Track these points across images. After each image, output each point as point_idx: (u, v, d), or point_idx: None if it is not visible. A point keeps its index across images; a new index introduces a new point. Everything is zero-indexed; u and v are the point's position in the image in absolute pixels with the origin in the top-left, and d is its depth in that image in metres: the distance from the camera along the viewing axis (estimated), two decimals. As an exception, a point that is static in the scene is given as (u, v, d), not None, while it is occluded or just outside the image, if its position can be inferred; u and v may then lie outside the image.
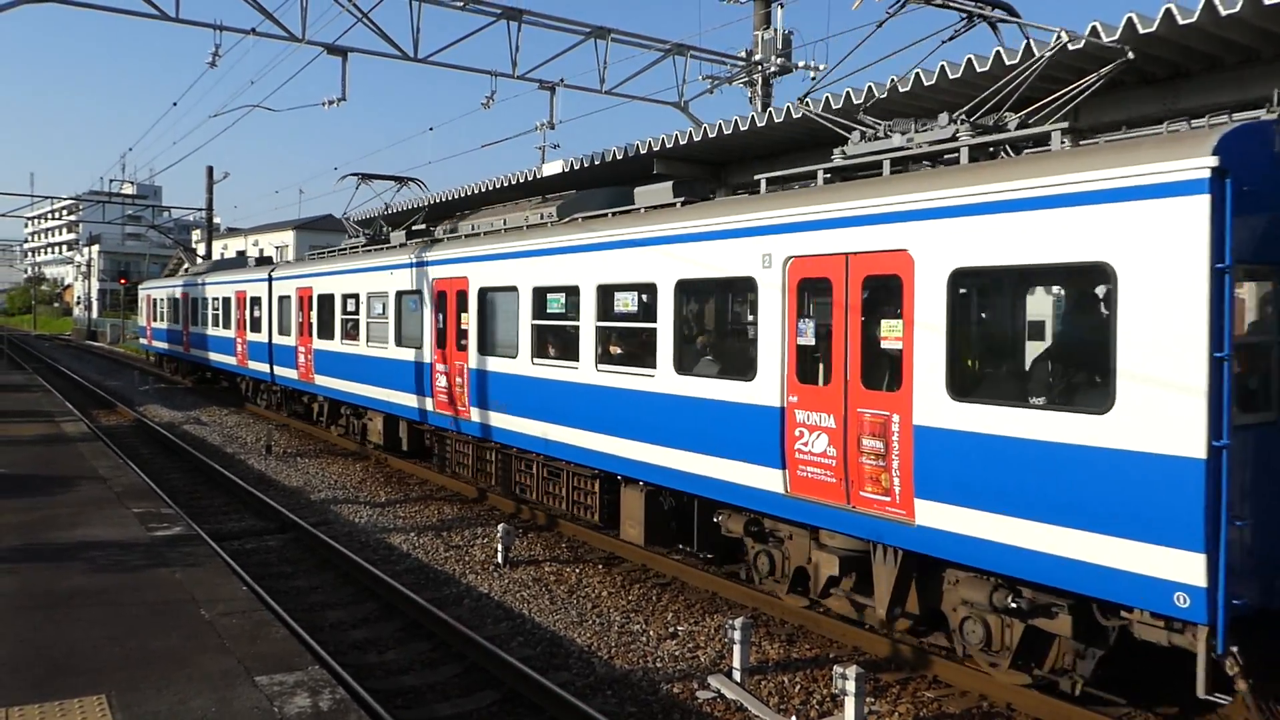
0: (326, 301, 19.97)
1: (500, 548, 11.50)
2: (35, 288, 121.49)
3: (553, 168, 20.02)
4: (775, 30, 19.96)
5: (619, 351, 11.30)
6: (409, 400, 16.19)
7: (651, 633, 9.20)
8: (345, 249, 20.34)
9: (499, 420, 13.39)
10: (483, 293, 13.86)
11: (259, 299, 24.68)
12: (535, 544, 12.47)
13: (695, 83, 20.44)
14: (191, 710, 5.51)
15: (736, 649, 7.86)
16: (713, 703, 7.58)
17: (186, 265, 46.62)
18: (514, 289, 12.94)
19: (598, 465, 11.51)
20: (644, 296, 10.84)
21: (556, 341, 12.52)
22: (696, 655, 8.63)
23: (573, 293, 11.82)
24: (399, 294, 16.57)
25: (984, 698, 7.68)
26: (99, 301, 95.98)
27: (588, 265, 11.47)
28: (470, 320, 14.13)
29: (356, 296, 18.39)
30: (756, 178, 10.01)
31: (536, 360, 12.53)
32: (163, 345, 38.39)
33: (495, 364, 13.45)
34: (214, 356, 29.80)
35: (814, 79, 20.22)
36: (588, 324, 11.44)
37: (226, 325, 27.96)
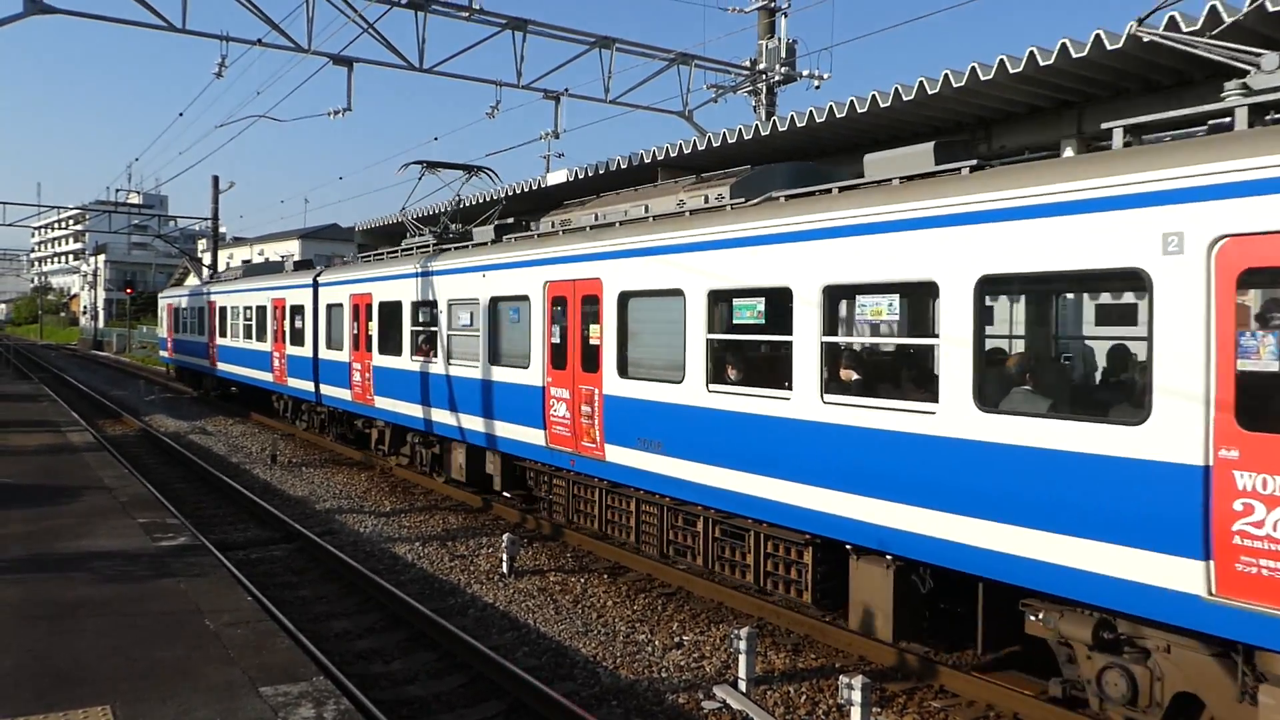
0: (391, 310, 17.23)
1: (505, 557, 11.49)
2: (41, 297, 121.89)
3: (557, 177, 20.06)
4: (779, 39, 20.00)
5: (860, 377, 8.73)
6: (509, 431, 13.39)
7: (657, 642, 9.18)
8: (413, 249, 17.51)
9: (650, 462, 10.58)
10: (624, 298, 11.08)
11: (301, 307, 21.92)
12: (540, 554, 12.45)
13: (699, 92, 20.51)
14: (196, 721, 5.49)
15: (742, 659, 7.84)
16: (718, 713, 7.55)
17: (211, 271, 46.41)
18: (676, 293, 10.19)
19: (814, 529, 8.71)
20: (911, 301, 8.54)
21: (746, 362, 9.98)
22: (702, 665, 8.60)
23: (778, 297, 9.15)
24: (495, 301, 13.75)
25: (991, 707, 7.64)
26: (105, 311, 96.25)
27: (804, 259, 8.66)
28: (605, 333, 11.32)
29: (432, 305, 15.57)
30: (1105, 126, 7.20)
31: (714, 387, 9.70)
32: (185, 358, 35.14)
33: (644, 390, 10.65)
34: (245, 372, 26.96)
35: (817, 87, 20.28)
36: (806, 339, 8.60)
37: (261, 337, 25.08)
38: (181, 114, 29.86)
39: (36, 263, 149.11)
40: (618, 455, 11.17)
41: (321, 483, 17.59)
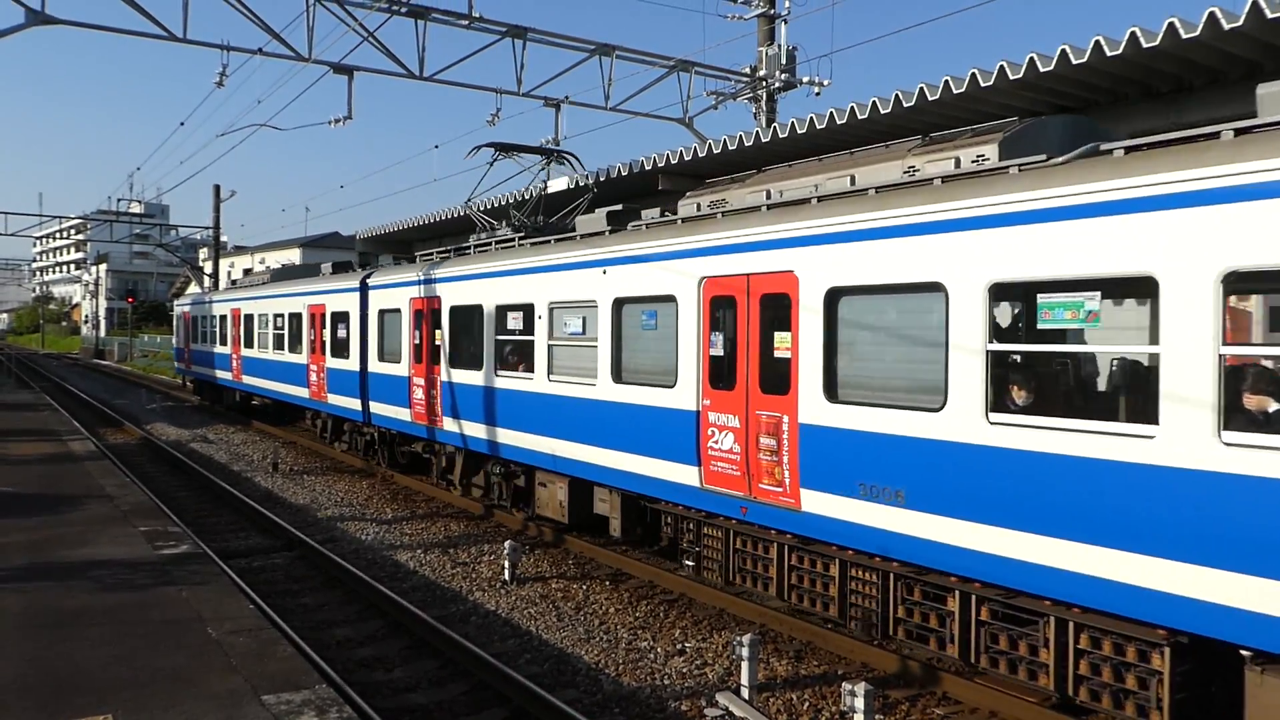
0: (466, 317, 14.79)
1: (507, 564, 11.48)
2: (43, 307, 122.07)
3: (558, 184, 20.08)
4: (779, 46, 20.04)
5: None
6: (639, 465, 10.77)
7: (659, 649, 9.16)
8: (491, 244, 15.20)
9: (877, 515, 7.99)
10: (834, 297, 8.49)
11: (344, 314, 19.45)
12: (542, 561, 12.44)
13: (700, 98, 20.53)
14: (198, 730, 5.49)
15: (744, 666, 7.82)
16: (721, 720, 7.53)
17: (213, 280, 46.19)
18: (929, 288, 7.58)
19: (1179, 623, 6.09)
20: None
21: (1052, 382, 7.71)
22: (704, 672, 8.58)
23: (1130, 290, 7.41)
24: (620, 304, 11.23)
25: (994, 714, 7.62)
26: (107, 320, 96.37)
27: (1185, 234, 5.99)
28: (802, 343, 8.74)
29: (525, 309, 13.08)
30: None
31: (997, 416, 7.07)
32: (204, 370, 32.20)
33: (869, 420, 8.07)
34: (275, 386, 24.29)
35: (817, 94, 20.32)
36: (1189, 350, 5.97)
37: (295, 348, 22.56)
38: (183, 123, 29.69)
39: (38, 272, 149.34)
40: (820, 504, 8.50)
41: (323, 490, 17.58)
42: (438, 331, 15.59)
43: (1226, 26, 9.13)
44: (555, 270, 12.50)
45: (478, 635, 9.51)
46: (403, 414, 16.89)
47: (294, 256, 64.23)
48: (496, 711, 7.68)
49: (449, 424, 15.18)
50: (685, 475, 10.17)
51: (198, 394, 35.00)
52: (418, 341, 16.30)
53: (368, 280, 18.53)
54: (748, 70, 20.44)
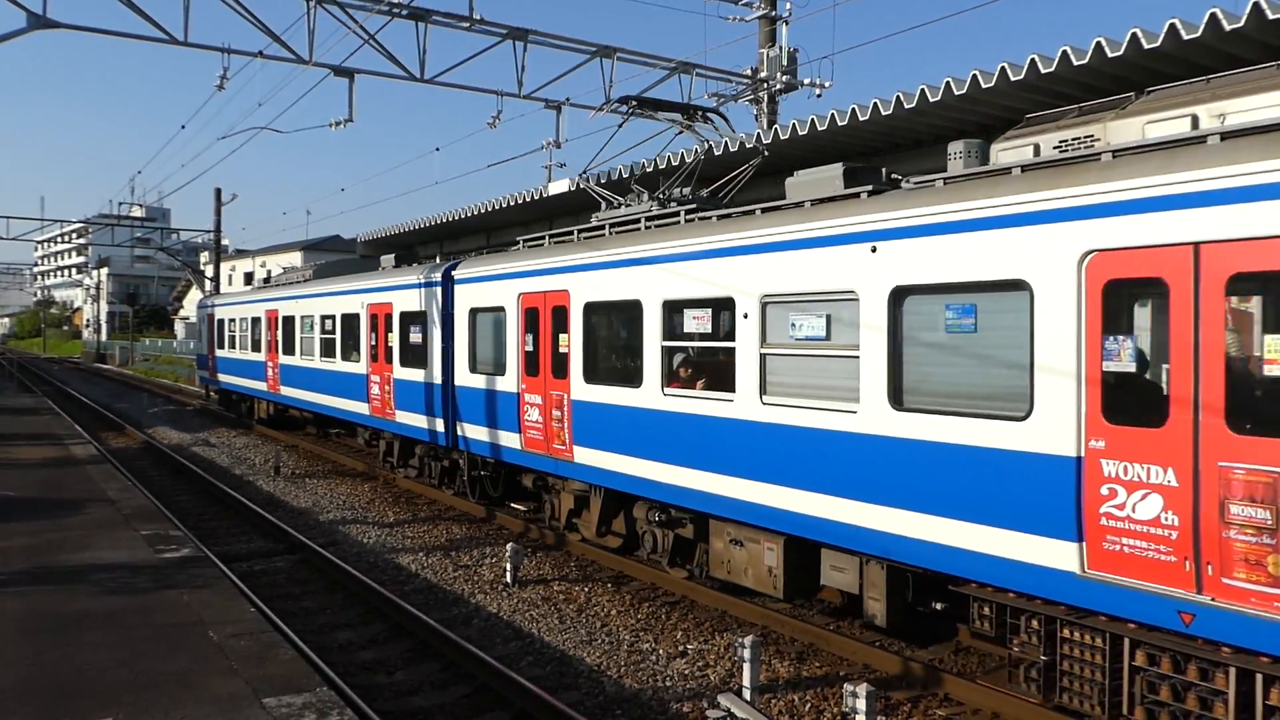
0: (614, 315, 11.69)
1: (509, 567, 11.47)
2: (45, 311, 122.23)
3: (559, 186, 20.10)
4: (780, 48, 20.05)
5: None
6: (947, 532, 7.51)
7: (661, 651, 9.15)
8: (639, 219, 11.85)
9: None
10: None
11: (419, 316, 16.31)
12: (544, 563, 12.43)
13: (701, 100, 20.52)
14: (199, 733, 5.48)
15: (746, 667, 7.80)
16: (723, 722, 7.52)
17: (213, 283, 45.94)
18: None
19: None
20: None
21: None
22: (706, 674, 8.57)
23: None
24: (901, 294, 7.92)
25: (996, 715, 7.61)
26: (108, 324, 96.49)
27: None
28: None
29: (719, 305, 9.92)
30: None
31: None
32: (232, 380, 28.75)
33: None
34: (322, 400, 21.00)
35: (819, 95, 20.33)
36: None
37: (350, 355, 19.31)
38: (184, 126, 29.85)
39: (39, 276, 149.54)
40: None
41: (325, 494, 17.58)
42: (563, 336, 12.28)
43: (1228, 27, 9.13)
44: (766, 252, 9.13)
45: (480, 638, 9.50)
46: (508, 439, 13.51)
47: (295, 260, 64.28)
48: (499, 714, 7.68)
49: (583, 455, 11.84)
50: (1044, 553, 6.80)
51: (224, 406, 31.40)
52: (531, 348, 12.94)
53: (453, 272, 15.24)
54: (749, 72, 20.44)
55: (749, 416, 9.34)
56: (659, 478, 10.59)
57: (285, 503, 16.77)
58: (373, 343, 18.15)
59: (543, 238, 13.86)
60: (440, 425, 15.63)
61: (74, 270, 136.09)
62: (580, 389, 11.90)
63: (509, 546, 11.58)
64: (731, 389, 9.55)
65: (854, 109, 13.05)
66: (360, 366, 18.73)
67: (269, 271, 67.49)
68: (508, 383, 13.52)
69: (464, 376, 14.78)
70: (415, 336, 16.42)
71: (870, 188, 8.77)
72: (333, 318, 20.28)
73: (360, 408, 18.93)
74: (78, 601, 8.16)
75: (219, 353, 30.19)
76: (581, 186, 12.59)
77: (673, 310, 10.59)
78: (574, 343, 12.04)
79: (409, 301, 16.64)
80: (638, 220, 11.88)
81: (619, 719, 7.61)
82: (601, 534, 12.33)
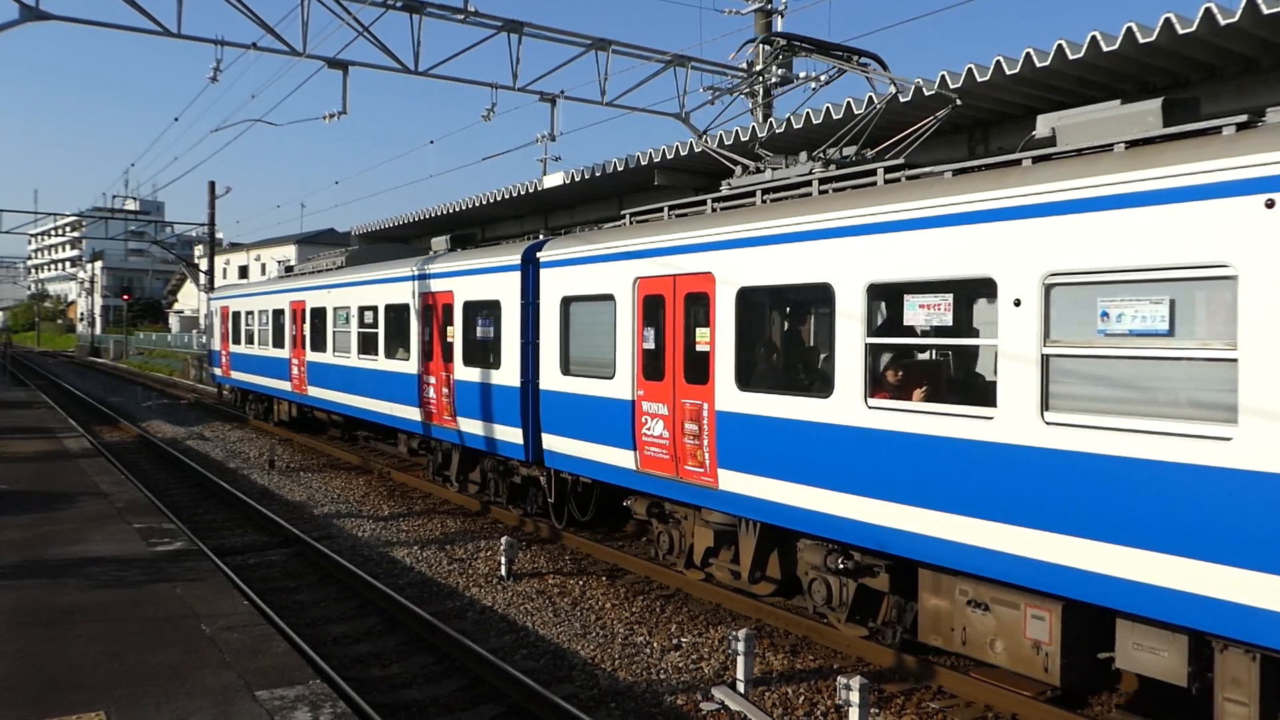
0: (784, 304, 9.78)
1: (503, 560, 11.46)
2: (39, 304, 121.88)
3: (554, 180, 20.06)
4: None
5: None
6: None
7: (655, 644, 9.15)
8: (813, 182, 9.29)
9: None
10: None
11: (492, 305, 13.78)
12: (539, 556, 12.42)
13: (696, 94, 20.55)
14: (191, 726, 5.47)
15: (740, 660, 7.81)
16: (717, 714, 7.52)
17: (208, 277, 45.64)
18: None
19: None
20: None
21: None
22: (700, 667, 8.57)
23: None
24: None
25: (989, 708, 7.62)
26: (102, 318, 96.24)
27: None
28: None
29: (969, 290, 8.07)
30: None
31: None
32: (251, 379, 26.37)
33: None
34: (361, 403, 18.62)
35: (815, 89, 20.31)
36: None
37: (396, 352, 16.99)
38: (177, 119, 29.56)
39: (33, 270, 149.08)
40: None
41: (319, 487, 17.55)
42: (701, 330, 9.89)
43: (1223, 22, 9.12)
44: (1070, 213, 6.62)
45: (474, 631, 9.50)
46: (615, 456, 11.11)
47: (290, 253, 64.16)
48: (493, 707, 7.67)
49: (731, 480, 9.39)
50: None
51: (241, 406, 29.13)
52: (653, 345, 10.60)
53: (537, 254, 12.75)
54: (744, 65, 20.41)
55: (1020, 440, 6.90)
56: (848, 513, 8.16)
57: (280, 496, 16.75)
58: (426, 338, 15.58)
59: (659, 210, 11.19)
60: (516, 436, 13.12)
61: (68, 264, 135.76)
62: (730, 397, 9.40)
63: (503, 540, 11.57)
64: (988, 402, 7.15)
65: (870, 97, 12.99)
66: (410, 365, 16.18)
67: (263, 265, 67.40)
68: (617, 388, 10.98)
69: (552, 379, 12.25)
70: (484, 330, 13.99)
71: (1241, 120, 6.14)
72: (374, 309, 17.72)
73: (409, 413, 16.33)
74: (69, 595, 8.13)
75: (234, 348, 27.56)
76: (701, 150, 10.35)
77: (882, 296, 8.13)
78: (720, 339, 9.53)
79: (476, 289, 14.12)
80: (806, 184, 9.30)
81: (613, 712, 7.61)
82: (755, 579, 9.83)
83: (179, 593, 8.29)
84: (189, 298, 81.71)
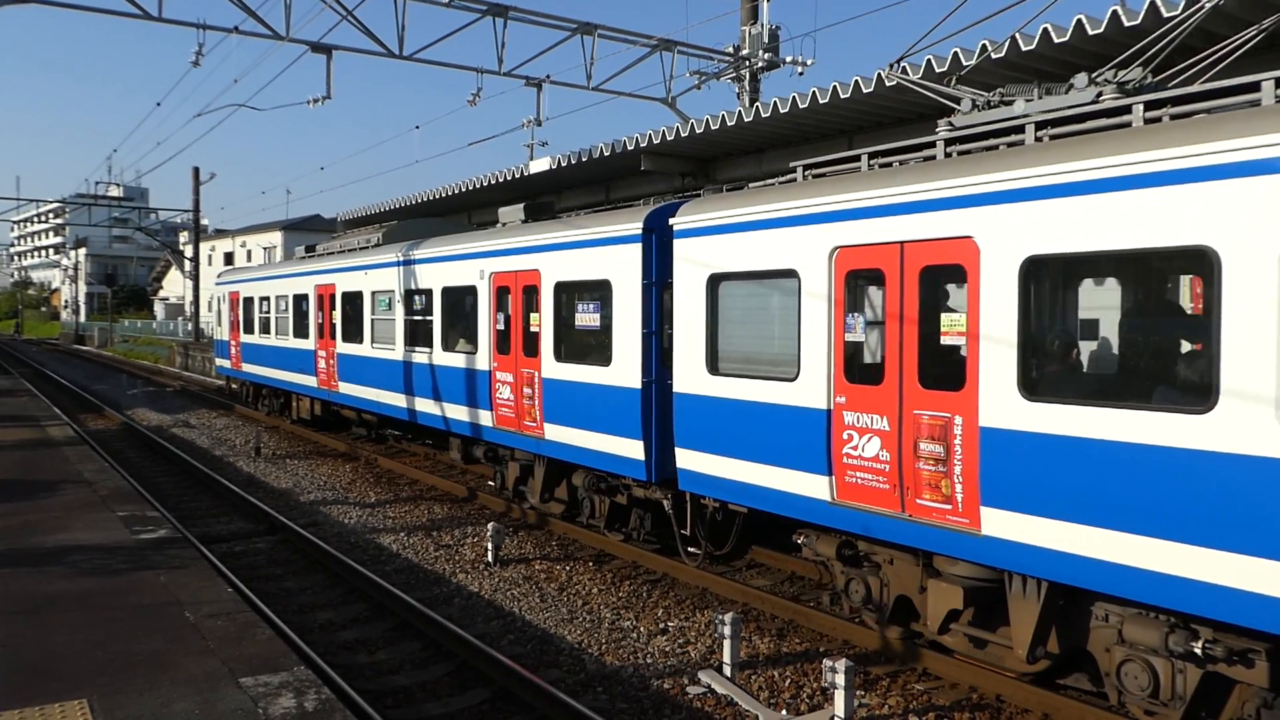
0: (1170, 278, 6.95)
1: (490, 546, 11.45)
2: (22, 292, 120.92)
3: (541, 165, 19.97)
4: (762, 25, 19.95)
5: None
6: None
7: (642, 629, 9.17)
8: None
9: None
10: None
11: (596, 289, 11.38)
12: (525, 542, 12.42)
13: (683, 78, 20.44)
14: (174, 713, 5.44)
15: (727, 644, 7.84)
16: (703, 698, 7.55)
17: (193, 264, 45.11)
18: None
19: None
20: None
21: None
22: (687, 651, 8.60)
23: None
24: None
25: (974, 689, 7.67)
26: (86, 305, 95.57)
27: None
28: None
29: None
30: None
31: None
32: (266, 372, 23.66)
33: None
34: (405, 402, 16.16)
35: (801, 73, 20.25)
36: None
37: (456, 343, 14.49)
38: (159, 104, 29.28)
39: (16, 257, 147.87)
40: None
41: (306, 474, 17.50)
42: (950, 317, 7.40)
43: (1208, 5, 9.10)
44: None
45: (461, 617, 9.49)
46: (800, 482, 8.50)
47: (276, 239, 63.82)
48: (480, 692, 7.68)
49: (1007, 525, 6.84)
50: None
51: (251, 402, 26.48)
52: (860, 336, 8.14)
53: (669, 220, 10.18)
54: (731, 50, 20.33)
55: None
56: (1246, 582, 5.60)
57: (265, 484, 16.69)
58: (501, 327, 13.08)
59: (852, 159, 8.82)
60: (633, 449, 10.72)
61: (51, 251, 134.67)
62: (1005, 411, 6.80)
63: (490, 526, 11.56)
64: None
65: (857, 81, 12.88)
66: (478, 359, 13.66)
67: (249, 251, 66.99)
68: (801, 393, 8.45)
69: (693, 380, 9.72)
70: (585, 318, 11.58)
71: None
72: (426, 293, 15.18)
73: (475, 416, 13.87)
74: (52, 583, 8.08)
75: (244, 338, 24.83)
76: (906, 84, 8.56)
77: None
78: (989, 328, 6.90)
79: (572, 267, 11.66)
80: (1116, 111, 6.87)
81: (600, 696, 7.62)
82: (1034, 657, 7.07)
83: (163, 580, 8.25)
84: (174, 285, 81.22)
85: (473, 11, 17.40)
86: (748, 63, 20.00)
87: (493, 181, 22.07)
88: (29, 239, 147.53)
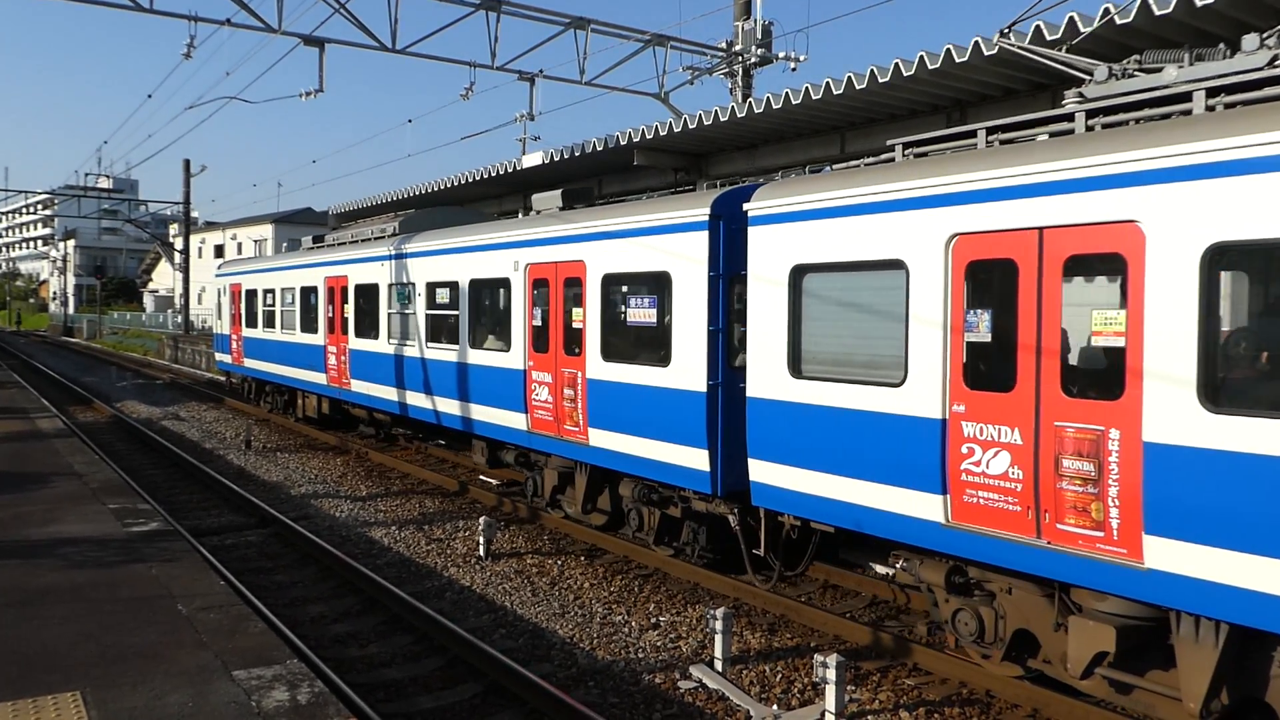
0: None
1: (482, 540, 11.46)
2: (10, 283, 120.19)
3: (533, 159, 19.96)
4: (755, 21, 19.95)
5: None
6: None
7: (634, 624, 9.20)
8: None
9: None
10: None
11: (652, 280, 10.34)
12: (517, 536, 12.43)
13: (675, 73, 20.44)
14: (167, 705, 5.45)
15: (718, 639, 7.87)
16: (695, 692, 7.58)
17: (183, 256, 44.76)
18: None
19: None
20: None
21: None
22: (678, 645, 8.63)
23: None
24: None
25: (964, 684, 7.71)
26: (75, 297, 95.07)
27: None
28: None
29: None
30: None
31: None
32: (269, 368, 22.74)
33: None
34: (427, 402, 15.07)
35: (793, 69, 20.27)
36: None
37: (485, 340, 13.47)
38: (150, 96, 29.08)
39: (4, 248, 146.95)
40: None
41: (297, 468, 17.47)
42: (1106, 315, 6.40)
43: (1199, 3, 9.16)
44: None
45: (453, 611, 9.51)
46: (908, 502, 7.48)
47: (267, 232, 63.56)
48: (471, 686, 7.69)
49: (1172, 556, 5.97)
50: None
51: (254, 399, 25.50)
52: (986, 337, 7.03)
53: (743, 205, 9.16)
54: (724, 45, 20.33)
55: None
56: None
57: (256, 477, 16.66)
58: (538, 322, 12.12)
59: (965, 135, 7.81)
60: (696, 459, 9.73)
61: (40, 242, 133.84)
62: (1180, 426, 5.87)
63: (482, 520, 11.56)
64: None
65: (849, 77, 12.90)
66: (512, 357, 12.57)
67: (239, 244, 66.73)
68: (908, 400, 7.46)
69: (771, 383, 8.72)
70: (639, 313, 10.54)
71: None
72: (452, 286, 14.20)
73: (507, 418, 12.76)
74: (43, 575, 8.06)
75: (247, 332, 23.86)
76: (1019, 51, 7.98)
77: None
78: (1161, 329, 5.95)
79: (625, 257, 10.66)
80: None
81: (591, 690, 7.65)
82: (1208, 711, 6.19)
83: (155, 573, 8.24)
84: (163, 277, 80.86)
85: (466, 5, 17.35)
86: (740, 58, 20.00)
87: (485, 176, 22.04)
88: (17, 230, 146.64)
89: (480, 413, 13.48)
